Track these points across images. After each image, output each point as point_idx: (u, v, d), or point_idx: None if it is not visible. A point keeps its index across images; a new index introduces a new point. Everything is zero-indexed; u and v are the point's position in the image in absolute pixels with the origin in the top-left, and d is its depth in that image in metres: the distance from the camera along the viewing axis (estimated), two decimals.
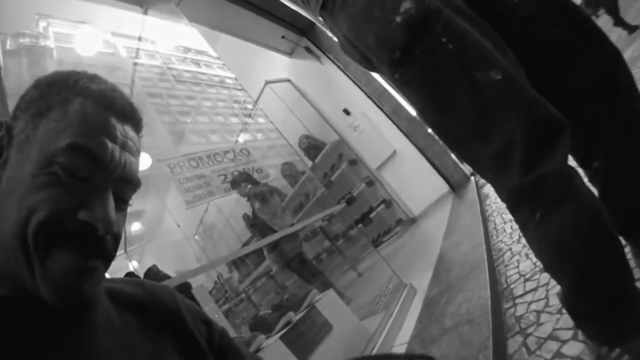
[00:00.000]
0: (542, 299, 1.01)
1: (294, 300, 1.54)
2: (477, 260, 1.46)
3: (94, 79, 0.42)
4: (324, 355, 1.28)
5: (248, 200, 2.82)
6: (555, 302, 0.94)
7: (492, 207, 2.41)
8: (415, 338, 1.26)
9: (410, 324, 1.41)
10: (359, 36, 0.68)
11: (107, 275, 0.43)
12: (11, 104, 0.42)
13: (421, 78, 0.62)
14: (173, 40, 2.88)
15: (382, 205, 4.03)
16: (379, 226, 4.09)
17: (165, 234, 5.09)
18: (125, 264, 4.10)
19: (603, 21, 3.55)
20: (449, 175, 3.60)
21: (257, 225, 2.78)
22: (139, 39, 2.67)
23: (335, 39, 0.80)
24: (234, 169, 1.87)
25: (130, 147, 0.41)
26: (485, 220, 2.12)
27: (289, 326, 1.34)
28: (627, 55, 2.87)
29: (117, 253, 0.42)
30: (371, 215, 4.07)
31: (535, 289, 1.08)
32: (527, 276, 1.19)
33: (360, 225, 4.05)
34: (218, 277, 4.92)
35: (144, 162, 2.02)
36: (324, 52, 3.97)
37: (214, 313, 1.29)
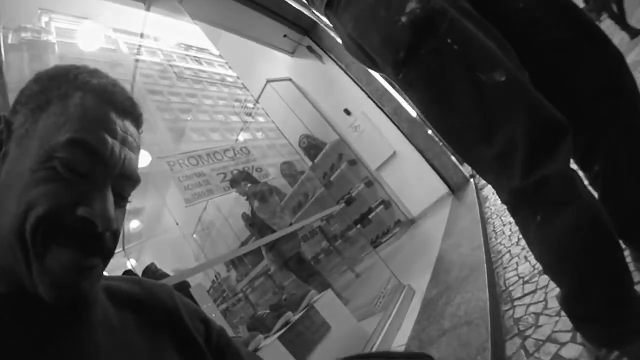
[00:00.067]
0: (541, 301, 1.01)
1: (292, 300, 1.54)
2: (476, 262, 1.46)
3: (95, 74, 0.42)
4: (322, 355, 1.28)
5: (247, 199, 2.81)
6: (553, 304, 0.94)
7: (491, 209, 2.41)
8: (414, 339, 1.26)
9: (408, 325, 1.41)
10: (364, 36, 0.68)
11: (105, 273, 0.42)
12: (12, 99, 0.42)
13: (425, 78, 0.62)
14: (175, 37, 2.87)
15: (381, 206, 4.03)
16: (378, 227, 4.09)
17: (164, 232, 5.09)
18: (123, 262, 4.09)
19: (606, 25, 3.55)
20: (448, 177, 3.60)
21: (255, 225, 2.77)
22: (141, 35, 2.66)
23: (339, 39, 0.79)
24: (233, 167, 1.87)
25: (130, 143, 0.41)
26: (484, 222, 2.12)
27: (287, 326, 1.34)
28: (629, 59, 2.87)
29: (115, 251, 0.42)
30: (370, 216, 4.07)
31: (533, 292, 1.08)
32: (525, 278, 1.19)
33: (359, 226, 4.05)
34: (216, 276, 4.91)
35: (144, 159, 2.01)
36: (325, 52, 3.96)
37: (212, 312, 1.28)
